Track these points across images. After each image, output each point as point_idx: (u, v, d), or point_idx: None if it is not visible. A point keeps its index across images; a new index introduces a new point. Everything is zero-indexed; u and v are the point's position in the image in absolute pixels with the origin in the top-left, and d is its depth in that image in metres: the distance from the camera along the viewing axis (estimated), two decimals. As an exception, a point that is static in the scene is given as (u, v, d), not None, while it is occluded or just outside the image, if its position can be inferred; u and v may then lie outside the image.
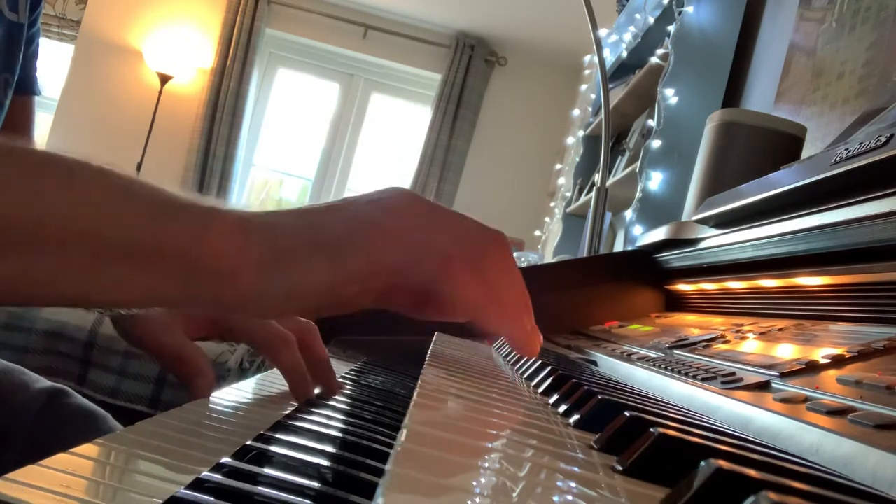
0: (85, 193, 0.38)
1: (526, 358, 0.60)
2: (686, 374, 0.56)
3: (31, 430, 0.72)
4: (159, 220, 0.39)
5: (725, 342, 0.67)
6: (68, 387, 0.79)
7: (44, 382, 0.78)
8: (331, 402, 0.57)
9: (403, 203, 0.43)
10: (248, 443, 0.39)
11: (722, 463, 0.21)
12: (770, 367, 0.51)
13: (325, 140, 5.25)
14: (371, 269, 0.41)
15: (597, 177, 2.19)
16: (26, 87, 0.92)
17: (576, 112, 3.89)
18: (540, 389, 0.47)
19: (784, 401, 0.43)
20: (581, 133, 3.49)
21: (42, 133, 4.91)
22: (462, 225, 0.44)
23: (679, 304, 1.07)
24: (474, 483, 0.22)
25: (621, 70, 2.94)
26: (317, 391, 0.61)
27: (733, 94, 2.07)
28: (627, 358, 0.73)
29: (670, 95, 2.06)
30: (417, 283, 0.42)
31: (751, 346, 0.63)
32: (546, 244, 3.96)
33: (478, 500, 0.20)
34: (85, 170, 0.39)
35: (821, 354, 0.50)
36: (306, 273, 0.40)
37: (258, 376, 0.67)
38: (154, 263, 0.39)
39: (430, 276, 0.41)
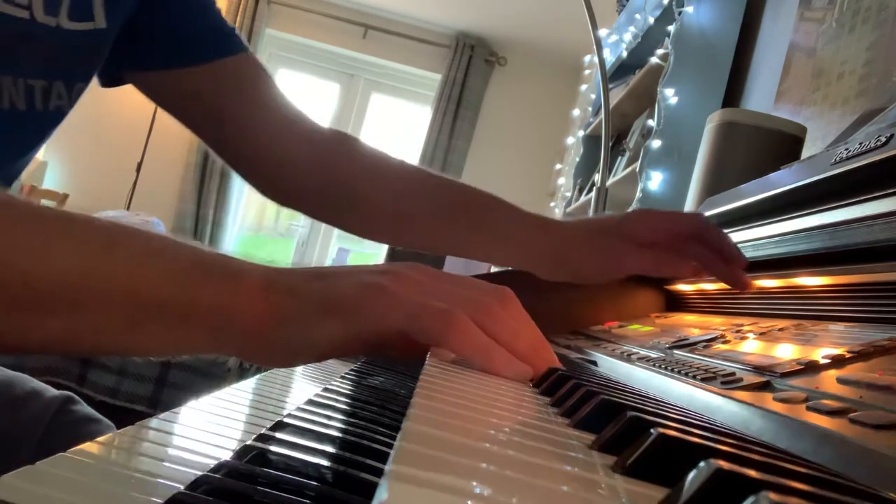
0: (124, 259, 0.42)
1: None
2: (686, 374, 0.56)
3: (43, 437, 0.72)
4: (193, 281, 0.43)
5: (725, 342, 0.67)
6: (68, 387, 0.80)
7: (52, 391, 0.78)
8: (331, 403, 0.57)
9: (408, 269, 0.47)
10: (249, 443, 0.39)
11: (722, 463, 0.21)
12: (770, 367, 0.51)
13: (325, 140, 5.24)
14: (375, 330, 0.45)
15: (597, 177, 2.19)
16: (218, 51, 0.81)
17: (576, 112, 3.89)
18: (540, 389, 0.47)
19: (784, 401, 0.43)
20: (581, 133, 3.49)
21: (42, 133, 4.90)
22: (465, 287, 0.48)
23: (679, 304, 1.07)
24: (474, 483, 0.22)
25: (621, 70, 2.94)
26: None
27: (733, 94, 2.07)
28: (627, 358, 0.73)
29: (670, 95, 2.06)
30: (419, 339, 0.45)
31: (751, 346, 0.63)
32: (546, 244, 3.95)
33: (477, 500, 0.20)
34: (123, 235, 0.43)
35: (821, 354, 0.50)
36: (319, 332, 0.44)
37: (258, 376, 0.67)
38: (188, 321, 0.43)
39: (430, 333, 0.45)
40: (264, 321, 0.43)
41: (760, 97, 1.91)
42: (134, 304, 0.41)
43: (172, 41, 0.79)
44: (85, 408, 0.78)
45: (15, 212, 0.40)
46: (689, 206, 1.28)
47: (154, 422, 0.43)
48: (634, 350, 0.76)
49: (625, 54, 2.83)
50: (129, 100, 4.84)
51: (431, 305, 0.45)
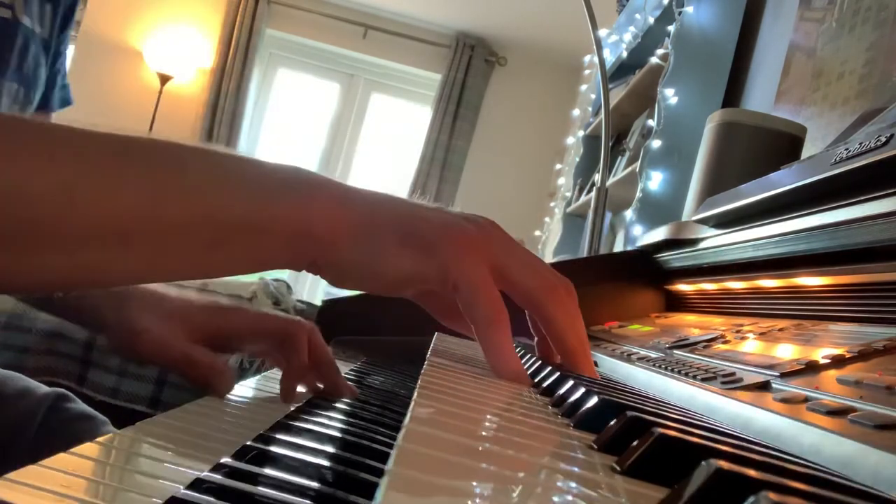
0: (199, 181, 0.41)
1: (527, 358, 0.61)
2: (686, 374, 0.56)
3: (36, 434, 0.72)
4: (270, 195, 0.42)
5: (725, 342, 0.67)
6: (68, 387, 0.79)
7: (44, 388, 0.78)
8: (331, 403, 0.57)
9: (490, 226, 0.47)
10: (248, 443, 0.39)
11: (722, 463, 0.21)
12: (770, 367, 0.51)
13: (325, 140, 5.24)
14: (435, 277, 0.44)
15: (597, 177, 2.19)
16: (43, 105, 0.89)
17: (576, 112, 3.89)
18: (540, 389, 0.47)
19: (784, 401, 0.43)
20: (581, 133, 3.49)
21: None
22: (538, 264, 0.48)
23: (679, 304, 1.07)
24: (474, 483, 0.22)
25: (621, 70, 2.94)
26: (310, 388, 0.61)
27: (733, 94, 2.06)
28: (627, 358, 0.73)
29: (670, 95, 2.06)
30: (462, 309, 0.45)
31: (751, 346, 0.63)
32: (546, 244, 3.96)
33: (477, 500, 0.20)
34: (194, 156, 0.42)
35: (821, 354, 0.50)
36: (392, 257, 0.44)
37: (258, 376, 0.67)
38: (267, 235, 0.42)
39: (475, 314, 0.45)
40: (339, 232, 0.43)
41: (760, 97, 1.91)
42: (212, 225, 0.40)
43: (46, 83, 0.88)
44: (78, 405, 0.78)
45: (79, 142, 0.39)
46: (689, 205, 1.28)
47: (154, 422, 0.43)
48: (634, 350, 0.76)
49: (625, 54, 2.83)
50: (127, 103, 4.85)
51: (492, 292, 0.45)
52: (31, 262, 0.37)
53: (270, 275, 2.65)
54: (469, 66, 5.03)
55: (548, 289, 0.47)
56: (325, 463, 0.38)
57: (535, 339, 0.55)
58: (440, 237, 0.44)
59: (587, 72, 3.78)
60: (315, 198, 0.43)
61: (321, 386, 0.61)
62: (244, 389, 0.61)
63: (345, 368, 0.76)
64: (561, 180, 4.01)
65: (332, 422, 0.50)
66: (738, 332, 0.69)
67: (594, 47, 2.06)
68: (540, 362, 0.55)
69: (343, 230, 0.43)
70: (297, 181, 0.44)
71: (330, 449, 0.41)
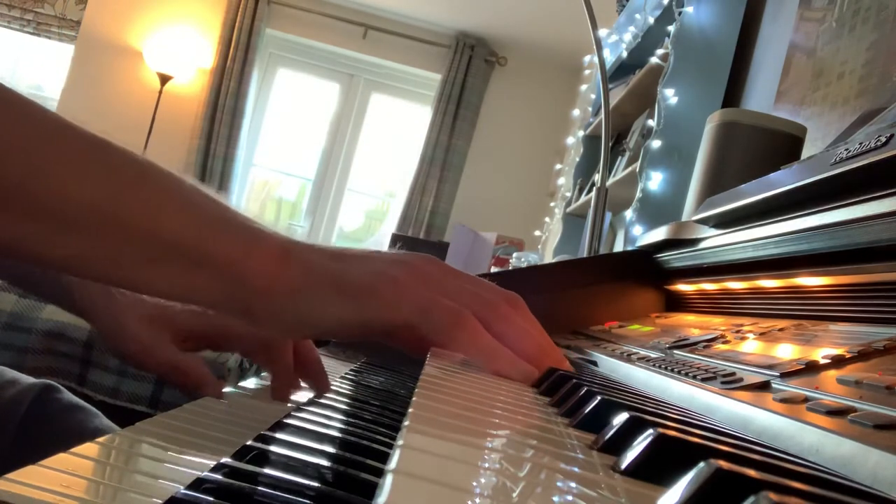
0: (153, 195, 0.43)
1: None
2: (686, 374, 0.56)
3: (21, 425, 0.72)
4: (214, 231, 0.44)
5: (725, 342, 0.67)
6: (68, 387, 0.79)
7: (31, 379, 0.77)
8: (331, 403, 0.57)
9: (424, 263, 0.48)
10: (248, 443, 0.39)
11: (722, 463, 0.21)
12: (770, 367, 0.51)
13: (325, 140, 5.24)
14: (383, 320, 0.46)
15: (597, 177, 2.19)
16: None
17: (576, 112, 3.89)
18: (540, 389, 0.47)
19: (784, 401, 0.43)
20: (581, 133, 3.49)
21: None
22: (477, 285, 0.49)
23: (679, 304, 1.07)
24: (474, 483, 0.22)
25: (621, 70, 2.94)
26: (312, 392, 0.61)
27: (733, 94, 2.06)
28: (627, 358, 0.73)
29: (670, 95, 2.06)
30: (426, 334, 0.46)
31: (751, 346, 0.63)
32: (546, 244, 3.96)
33: (478, 500, 0.20)
34: (156, 173, 0.44)
35: (821, 354, 0.50)
36: (326, 309, 0.45)
37: (258, 376, 0.67)
38: (202, 269, 0.43)
39: (438, 330, 0.46)
40: (275, 286, 0.44)
41: (760, 97, 1.91)
42: (152, 240, 0.42)
43: None
44: (68, 396, 0.77)
45: (57, 126, 0.41)
46: (689, 205, 1.28)
47: (154, 422, 0.43)
48: (634, 350, 0.76)
49: (625, 54, 2.83)
50: (129, 100, 4.85)
51: (442, 302, 0.46)
52: None
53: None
54: (469, 66, 5.03)
55: (488, 308, 0.48)
56: (325, 463, 0.38)
57: None
58: (375, 285, 0.45)
59: (587, 72, 3.78)
60: (256, 246, 0.44)
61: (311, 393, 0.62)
62: (244, 389, 0.61)
63: (344, 368, 0.76)
64: (561, 180, 4.01)
65: (332, 422, 0.50)
66: (738, 332, 0.69)
67: (594, 47, 2.06)
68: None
69: (279, 284, 0.44)
70: (243, 225, 0.45)
71: (330, 449, 0.41)
